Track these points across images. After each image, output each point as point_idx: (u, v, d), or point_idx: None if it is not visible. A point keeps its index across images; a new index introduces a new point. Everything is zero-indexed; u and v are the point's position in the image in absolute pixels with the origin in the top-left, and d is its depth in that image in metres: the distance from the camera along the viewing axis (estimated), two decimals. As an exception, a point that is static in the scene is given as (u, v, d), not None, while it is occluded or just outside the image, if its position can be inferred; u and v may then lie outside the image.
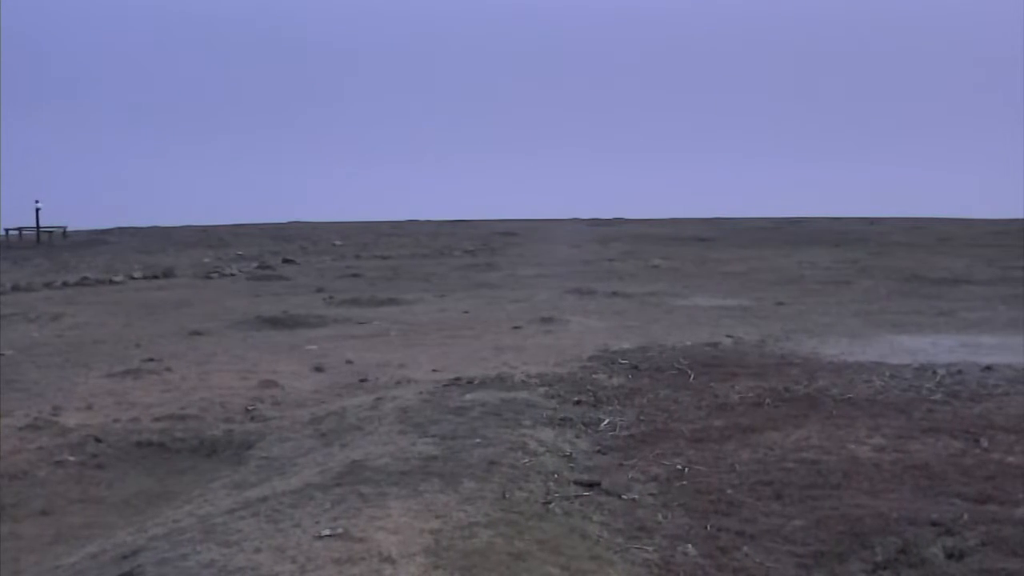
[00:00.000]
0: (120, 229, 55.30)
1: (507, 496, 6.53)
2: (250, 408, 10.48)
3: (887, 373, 11.46)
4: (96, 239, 48.53)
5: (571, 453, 8.04)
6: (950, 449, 8.02)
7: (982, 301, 20.10)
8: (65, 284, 26.61)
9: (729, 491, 6.99)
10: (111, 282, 27.61)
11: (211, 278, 29.52)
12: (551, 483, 7.04)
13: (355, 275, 29.87)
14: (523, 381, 11.19)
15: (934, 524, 6.09)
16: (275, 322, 17.90)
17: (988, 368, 11.66)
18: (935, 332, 15.40)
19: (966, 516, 6.21)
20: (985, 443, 8.15)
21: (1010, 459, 7.69)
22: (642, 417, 9.48)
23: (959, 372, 11.44)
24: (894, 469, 7.45)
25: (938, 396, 10.15)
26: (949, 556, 5.56)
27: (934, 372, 11.45)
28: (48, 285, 26.15)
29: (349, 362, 13.34)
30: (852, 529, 6.05)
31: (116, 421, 9.96)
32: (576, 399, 10.23)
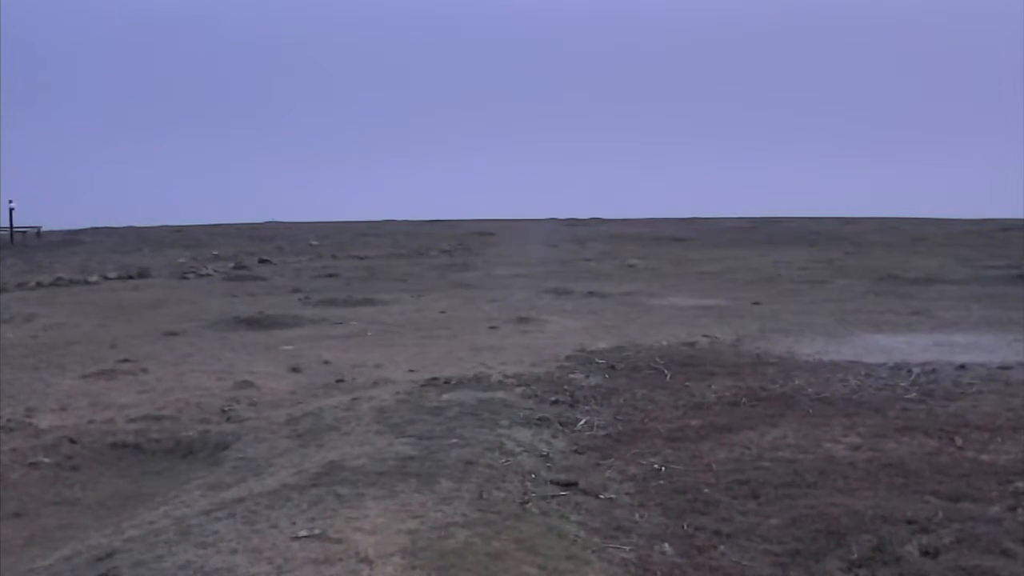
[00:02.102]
0: (95, 229, 55.07)
1: (484, 496, 6.52)
2: (226, 409, 10.42)
3: (862, 372, 11.53)
4: (70, 239, 48.31)
5: (548, 453, 8.04)
6: (925, 447, 8.06)
7: (956, 300, 20.25)
8: (39, 284, 26.45)
9: (706, 490, 7.00)
10: (86, 282, 27.45)
11: (187, 278, 29.40)
12: (528, 483, 7.04)
13: (332, 275, 29.81)
14: (500, 381, 11.19)
15: (909, 522, 6.12)
16: (251, 322, 17.83)
17: (962, 367, 11.74)
18: (910, 331, 15.49)
19: (941, 514, 6.25)
20: (959, 441, 8.20)
21: (984, 457, 7.74)
22: (619, 417, 9.49)
23: (933, 371, 11.51)
24: (869, 468, 7.48)
25: (913, 395, 10.21)
26: (924, 554, 5.58)
27: (909, 371, 11.52)
28: (22, 286, 25.97)
29: (326, 362, 13.30)
30: (828, 527, 6.07)
31: (91, 422, 9.89)
32: (553, 399, 10.24)
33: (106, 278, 28.71)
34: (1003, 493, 6.73)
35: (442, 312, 19.46)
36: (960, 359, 12.33)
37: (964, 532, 5.90)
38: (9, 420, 9.87)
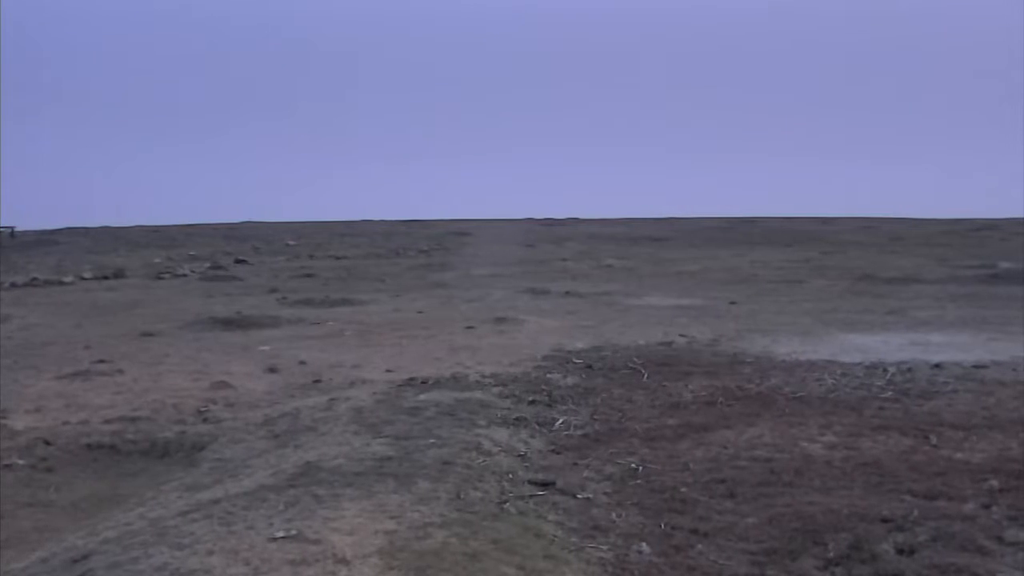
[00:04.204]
0: (70, 229, 54.72)
1: (462, 496, 6.52)
2: (203, 409, 10.38)
3: (839, 371, 11.57)
4: (45, 239, 48.01)
5: (525, 453, 8.04)
6: (900, 446, 8.10)
7: (932, 300, 20.36)
8: (13, 285, 26.27)
9: (683, 489, 7.02)
10: (61, 283, 27.30)
11: (163, 278, 29.28)
12: (506, 483, 7.04)
13: (309, 275, 29.74)
14: (477, 381, 11.19)
15: (885, 520, 6.15)
16: (228, 323, 17.76)
17: (937, 366, 11.81)
18: (886, 331, 15.56)
19: (916, 512, 6.28)
20: (935, 440, 8.25)
21: (959, 455, 7.78)
22: (596, 416, 9.50)
23: (909, 370, 11.57)
24: (846, 466, 7.51)
25: (889, 394, 10.26)
26: (900, 552, 5.61)
27: (885, 370, 11.57)
28: (-4, 286, 25.79)
29: (303, 363, 13.26)
30: (805, 526, 6.10)
31: (66, 423, 9.83)
32: (530, 399, 10.24)
33: (81, 278, 28.57)
34: (978, 491, 6.77)
35: (420, 312, 19.44)
36: (936, 358, 12.40)
37: (939, 530, 5.93)
38: (-17, 421, 9.80)
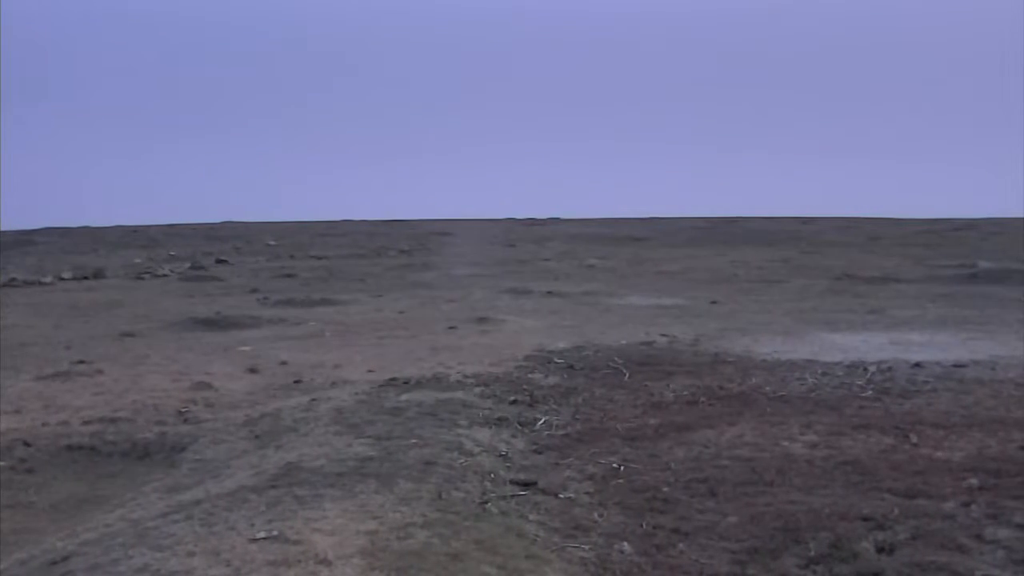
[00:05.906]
0: (49, 229, 54.46)
1: (443, 496, 6.52)
2: (183, 410, 10.34)
3: (819, 371, 11.61)
4: (24, 239, 47.77)
5: (507, 453, 8.05)
6: (881, 445, 8.14)
7: (911, 299, 20.46)
8: (-8, 285, 26.14)
9: (664, 489, 7.03)
10: (40, 283, 27.18)
11: (143, 279, 29.17)
12: (487, 483, 7.04)
13: (290, 275, 29.68)
14: (459, 381, 11.18)
15: (865, 519, 6.17)
16: (208, 323, 17.71)
17: (917, 365, 11.86)
18: (866, 330, 15.63)
19: (896, 511, 6.31)
20: (914, 439, 8.28)
21: (939, 454, 7.82)
22: (578, 416, 9.51)
23: (889, 369, 11.61)
24: (826, 465, 7.54)
25: (869, 393, 10.30)
26: (880, 550, 5.64)
27: (865, 369, 11.62)
28: (-26, 287, 25.64)
29: (284, 363, 13.22)
30: (786, 525, 6.11)
31: (45, 425, 9.77)
32: (512, 399, 10.24)
33: (61, 279, 28.45)
34: (957, 489, 6.81)
35: (401, 312, 19.41)
36: (915, 357, 12.45)
37: (919, 528, 5.96)
38: (-39, 423, 9.73)
